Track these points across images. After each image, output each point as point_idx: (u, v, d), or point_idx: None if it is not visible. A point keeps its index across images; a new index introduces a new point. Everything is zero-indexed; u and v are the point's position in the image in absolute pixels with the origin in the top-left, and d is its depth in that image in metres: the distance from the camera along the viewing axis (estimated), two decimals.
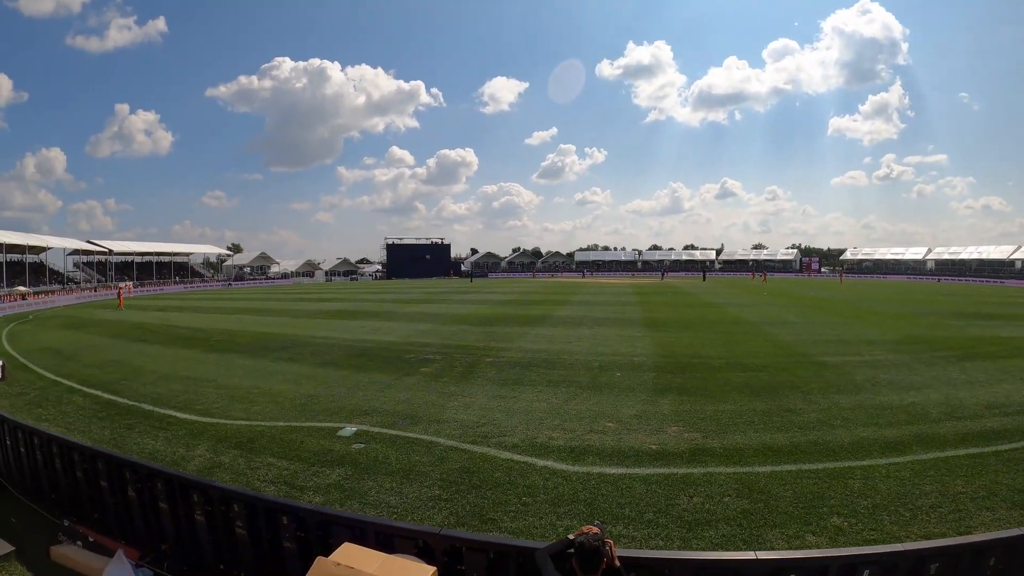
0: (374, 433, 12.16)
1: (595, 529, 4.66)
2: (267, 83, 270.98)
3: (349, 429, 12.41)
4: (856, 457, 10.49)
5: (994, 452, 10.66)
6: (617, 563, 4.64)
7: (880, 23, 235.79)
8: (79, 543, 7.98)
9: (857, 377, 16.82)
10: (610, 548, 4.61)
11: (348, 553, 5.08)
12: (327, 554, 5.12)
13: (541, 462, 10.53)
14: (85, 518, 8.43)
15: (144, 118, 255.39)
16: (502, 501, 8.95)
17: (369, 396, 15.35)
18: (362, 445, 11.42)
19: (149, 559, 7.42)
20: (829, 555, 5.27)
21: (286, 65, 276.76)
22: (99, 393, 16.57)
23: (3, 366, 9.72)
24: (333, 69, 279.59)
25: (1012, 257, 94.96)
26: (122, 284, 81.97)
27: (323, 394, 15.83)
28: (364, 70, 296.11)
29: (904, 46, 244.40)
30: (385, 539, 5.62)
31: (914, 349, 21.71)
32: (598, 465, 10.37)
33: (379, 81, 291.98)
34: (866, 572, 5.02)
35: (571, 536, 4.73)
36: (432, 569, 4.79)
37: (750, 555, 5.26)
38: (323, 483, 9.68)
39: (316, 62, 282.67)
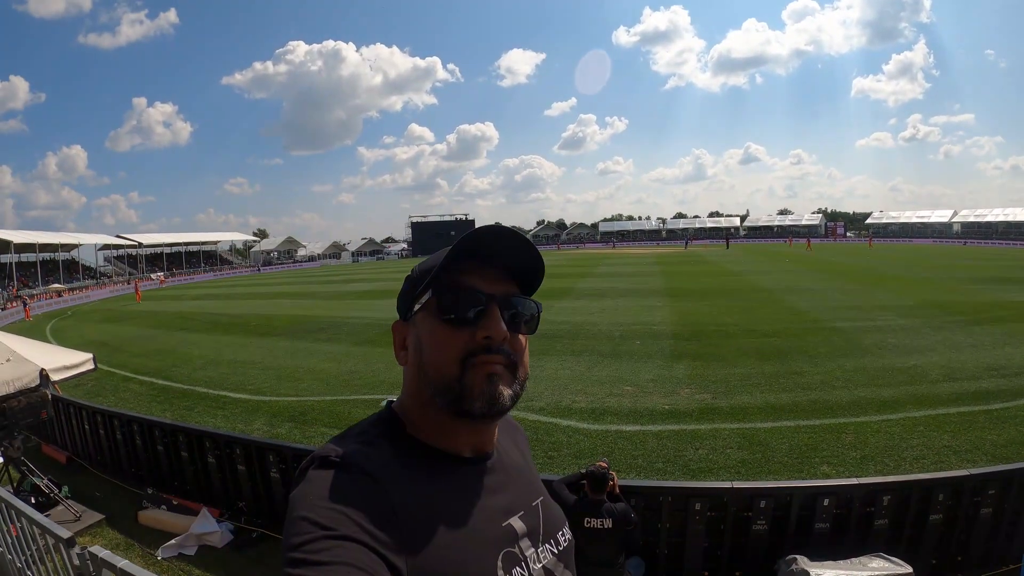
0: None
1: (604, 464, 5.79)
2: (282, 68, 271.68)
3: (392, 399, 13.35)
4: (852, 414, 11.36)
5: (984, 411, 11.34)
6: (618, 491, 5.77)
7: None
8: (164, 507, 8.96)
9: (865, 341, 17.57)
10: (613, 477, 5.75)
11: None
12: None
13: (565, 422, 11.58)
14: (166, 486, 9.44)
15: (162, 110, 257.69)
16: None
17: None
18: None
19: (229, 515, 8.53)
20: (793, 486, 6.31)
21: (300, 49, 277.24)
22: (153, 380, 17.62)
23: (93, 357, 10.80)
24: (348, 50, 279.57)
25: None
26: (153, 276, 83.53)
27: (364, 370, 16.94)
28: (379, 49, 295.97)
29: (927, 3, 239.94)
30: None
31: (926, 314, 22.20)
32: (616, 424, 11.42)
33: (395, 59, 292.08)
34: (825, 501, 6.06)
35: (583, 470, 5.87)
36: None
37: (727, 484, 6.31)
38: None
39: (330, 44, 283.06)
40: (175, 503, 9.00)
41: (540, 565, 1.41)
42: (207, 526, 8.15)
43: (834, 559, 5.73)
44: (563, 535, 1.53)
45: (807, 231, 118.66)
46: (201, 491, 9.18)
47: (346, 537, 1.10)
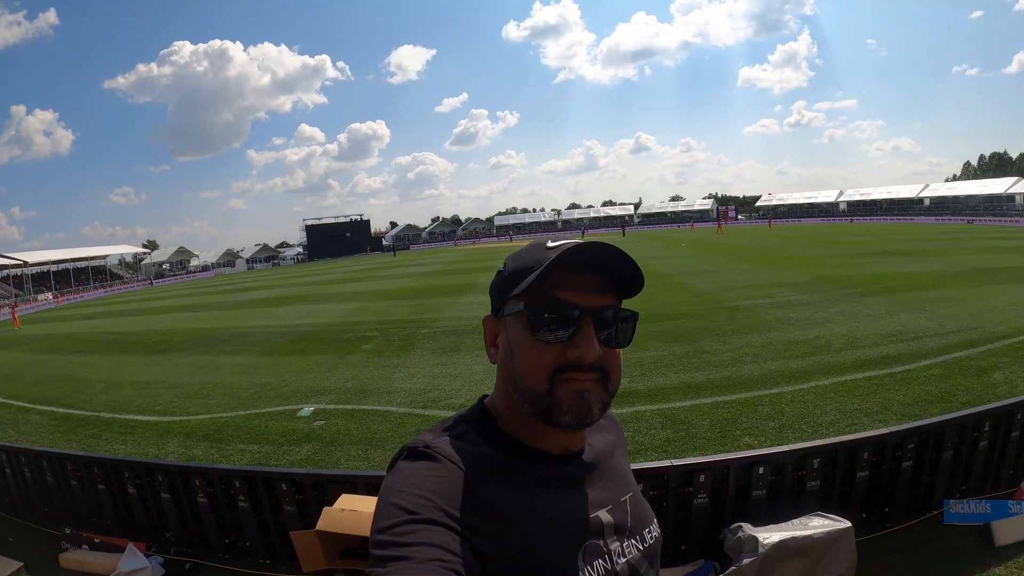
0: (331, 410, 12.97)
1: None
2: (167, 69, 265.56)
3: (307, 409, 13.16)
4: (765, 387, 11.74)
5: (888, 374, 11.92)
6: None
7: None
8: (85, 547, 8.54)
9: (767, 317, 18.16)
10: None
11: (348, 501, 6.02)
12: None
13: None
14: (85, 523, 8.97)
15: (42, 118, 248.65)
16: None
17: (318, 377, 16.09)
18: (322, 422, 12.21)
19: (156, 547, 8.18)
20: (730, 458, 6.46)
21: (185, 49, 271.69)
22: (53, 409, 16.77)
23: None
24: (235, 49, 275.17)
25: (920, 195, 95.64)
26: (40, 297, 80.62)
27: (274, 380, 16.53)
28: (267, 48, 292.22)
29: None
30: (374, 487, 6.47)
31: (822, 289, 23.06)
32: None
33: (283, 58, 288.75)
34: (760, 469, 6.23)
35: None
36: None
37: (667, 463, 6.43)
38: (295, 459, 10.46)
39: (217, 43, 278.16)
40: (97, 541, 8.60)
41: (624, 560, 1.44)
42: (135, 562, 7.75)
43: (775, 523, 5.90)
44: (650, 532, 1.55)
45: (700, 215, 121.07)
46: (123, 525, 8.75)
47: (430, 521, 1.16)
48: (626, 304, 1.49)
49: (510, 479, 1.34)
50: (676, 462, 6.40)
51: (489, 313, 1.57)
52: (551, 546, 1.30)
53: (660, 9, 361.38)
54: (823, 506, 6.21)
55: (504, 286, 1.48)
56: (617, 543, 1.43)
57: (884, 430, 6.81)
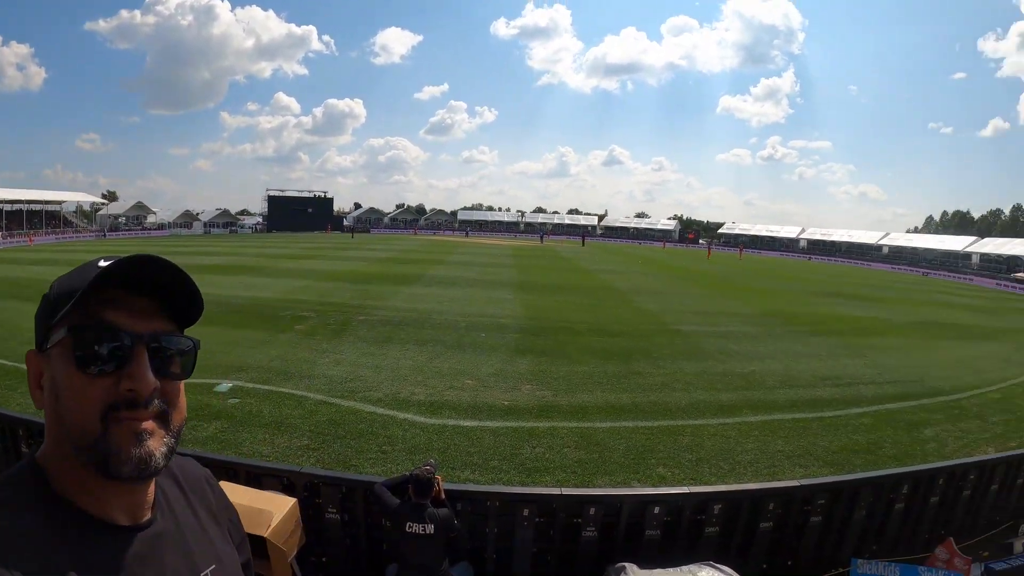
0: (249, 388, 12.52)
1: (430, 467, 5.51)
2: (151, 19, 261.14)
3: (225, 385, 12.68)
4: (690, 417, 11.51)
5: (818, 418, 11.80)
6: (443, 496, 5.51)
7: (780, 11, 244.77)
8: None
9: (707, 346, 17.97)
10: (438, 481, 5.48)
11: (224, 489, 5.73)
12: None
13: (402, 415, 11.20)
14: None
15: (16, 51, 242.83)
16: (364, 449, 9.63)
17: (244, 353, 15.54)
18: (237, 400, 11.78)
19: None
20: (624, 493, 6.18)
21: (172, 0, 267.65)
22: None
23: None
24: (222, 8, 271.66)
25: (880, 242, 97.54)
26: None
27: (200, 351, 16.00)
28: (254, 11, 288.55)
29: (801, 36, 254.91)
30: (255, 478, 6.14)
31: (769, 323, 23.06)
32: (453, 418, 11.11)
33: (269, 23, 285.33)
34: (655, 509, 5.93)
35: (407, 472, 5.58)
36: (293, 500, 5.47)
37: (556, 490, 6.14)
38: (201, 436, 10.01)
39: None
40: None
41: None
42: None
43: (663, 567, 5.60)
44: None
45: (662, 235, 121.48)
46: None
47: None
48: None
49: (58, 563, 1.06)
50: (565, 491, 6.14)
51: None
52: None
53: (651, 27, 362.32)
54: (720, 553, 5.90)
55: (48, 313, 1.21)
56: None
57: (794, 482, 6.57)
